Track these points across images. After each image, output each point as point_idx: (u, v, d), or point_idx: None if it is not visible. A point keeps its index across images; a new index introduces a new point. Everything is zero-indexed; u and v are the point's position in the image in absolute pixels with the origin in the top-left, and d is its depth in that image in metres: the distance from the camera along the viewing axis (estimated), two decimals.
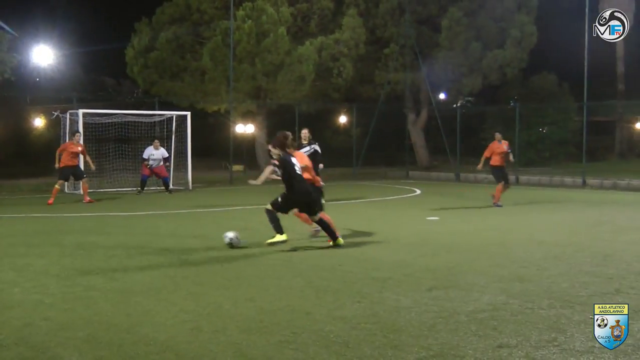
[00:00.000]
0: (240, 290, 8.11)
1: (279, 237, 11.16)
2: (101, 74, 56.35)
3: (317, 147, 19.37)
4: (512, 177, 19.64)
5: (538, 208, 18.17)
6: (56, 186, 20.17)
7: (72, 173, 20.81)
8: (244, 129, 36.22)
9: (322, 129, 47.21)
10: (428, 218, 15.88)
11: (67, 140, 22.83)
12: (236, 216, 16.84)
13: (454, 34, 35.20)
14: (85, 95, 37.27)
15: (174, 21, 34.94)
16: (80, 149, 20.70)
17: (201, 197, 22.30)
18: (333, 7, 35.70)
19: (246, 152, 37.77)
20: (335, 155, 41.26)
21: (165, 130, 28.07)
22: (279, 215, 11.34)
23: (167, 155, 24.62)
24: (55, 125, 30.18)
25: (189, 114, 27.27)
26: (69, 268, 9.53)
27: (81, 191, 21.30)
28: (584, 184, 27.07)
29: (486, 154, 19.28)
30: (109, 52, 44.70)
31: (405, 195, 23.22)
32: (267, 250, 10.99)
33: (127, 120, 26.75)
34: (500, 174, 19.05)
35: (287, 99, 34.52)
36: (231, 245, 11.31)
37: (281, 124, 37.40)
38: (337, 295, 7.78)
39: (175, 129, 27.52)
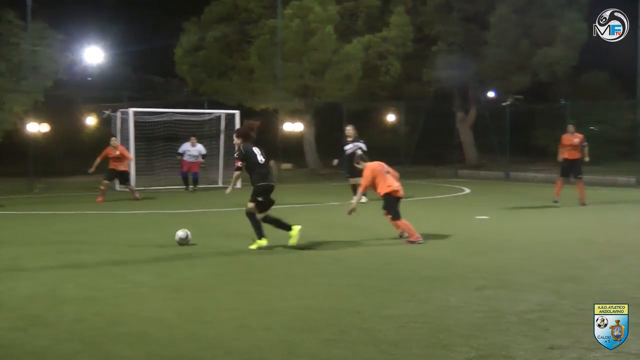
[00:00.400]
0: (289, 288, 8.12)
1: (260, 242, 11.04)
2: (150, 73, 56.96)
3: (362, 145, 19.37)
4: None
5: (590, 207, 17.87)
6: (101, 187, 20.42)
7: (118, 176, 21.15)
8: (292, 127, 36.26)
9: (369, 127, 47.04)
10: (477, 217, 15.73)
11: (115, 138, 23.02)
12: (284, 215, 16.84)
13: (502, 31, 34.76)
14: (135, 94, 37.70)
15: (221, 20, 35.15)
16: (118, 152, 20.67)
17: (249, 195, 22.37)
18: (380, 5, 35.53)
19: (294, 151, 37.83)
20: (383, 153, 41.05)
21: (213, 128, 28.27)
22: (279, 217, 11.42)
23: (204, 152, 24.69)
24: (106, 124, 30.61)
25: (237, 112, 27.43)
26: (120, 265, 9.66)
27: (129, 190, 21.34)
28: (638, 184, 26.56)
29: (560, 146, 18.71)
30: (158, 52, 45.09)
31: (453, 194, 23.04)
32: (316, 249, 11.00)
33: (176, 118, 27.01)
34: (566, 168, 18.47)
35: (334, 98, 34.47)
36: (181, 244, 11.37)
37: (329, 122, 37.54)
38: (385, 294, 7.75)
39: (224, 127, 27.69)
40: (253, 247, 10.99)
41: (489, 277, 8.64)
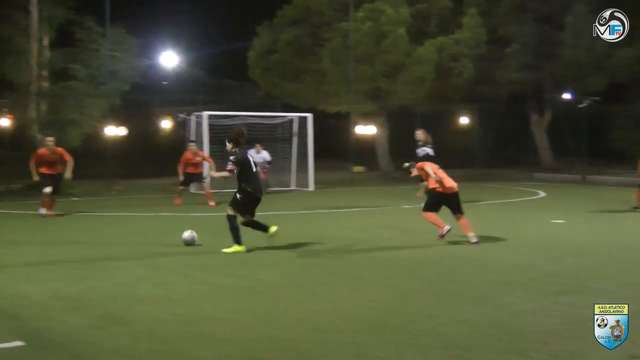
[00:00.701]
0: (361, 290, 8.12)
1: (236, 248, 11.02)
2: (224, 76, 57.68)
3: (429, 150, 19.23)
4: None
5: None
6: (179, 187, 20.58)
7: (194, 179, 21.20)
8: (365, 130, 36.25)
9: (441, 130, 46.67)
10: (553, 221, 15.44)
11: (189, 141, 23.26)
12: (357, 217, 16.89)
13: (579, 32, 34.05)
14: (209, 97, 38.24)
15: (294, 23, 35.34)
16: (199, 158, 20.71)
17: (322, 198, 22.49)
18: (453, 6, 35.21)
19: (367, 153, 37.80)
20: (456, 156, 40.76)
21: (286, 131, 28.47)
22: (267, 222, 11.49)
23: (269, 159, 24.73)
24: (181, 127, 31.14)
25: (310, 115, 27.55)
26: (195, 266, 9.81)
27: (204, 192, 21.06)
28: None
29: None
30: (231, 55, 45.64)
31: (528, 198, 22.67)
32: (389, 252, 10.98)
33: (249, 122, 27.28)
34: None
35: (407, 100, 34.31)
36: (187, 244, 11.63)
37: (401, 125, 37.37)
38: (458, 298, 7.68)
39: (297, 130, 27.86)
40: (228, 251, 11.04)
41: (565, 282, 8.48)
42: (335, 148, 41.27)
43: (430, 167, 12.44)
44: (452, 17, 35.16)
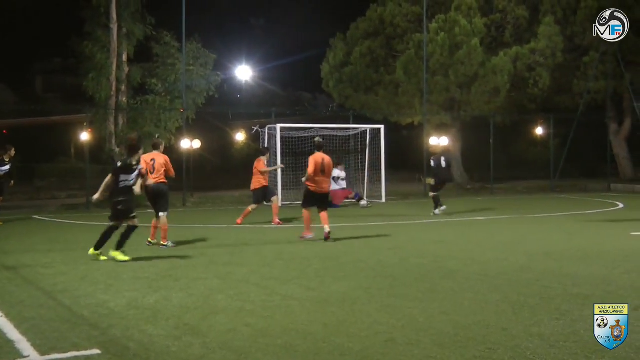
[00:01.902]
0: (435, 303, 8.05)
1: (93, 252, 11.71)
2: (298, 89, 58.13)
3: (442, 161, 20.42)
4: None
5: None
6: (249, 208, 18.41)
7: (264, 193, 18.45)
8: (438, 141, 35.99)
9: (517, 140, 46.11)
10: (633, 233, 15.02)
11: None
12: (429, 229, 16.77)
13: None
14: (284, 110, 38.57)
15: (368, 36, 35.42)
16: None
17: (395, 210, 22.41)
18: (528, 15, 34.69)
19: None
20: (532, 167, 40.16)
21: (359, 143, 28.48)
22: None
23: (343, 176, 24.97)
24: (255, 139, 31.45)
25: (382, 127, 27.52)
26: (268, 277, 9.87)
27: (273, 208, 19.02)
28: None
29: None
30: (306, 68, 46.05)
31: (606, 209, 22.13)
32: (462, 264, 10.85)
33: (322, 134, 27.36)
34: None
35: (481, 111, 33.96)
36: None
37: (475, 136, 37.01)
38: (534, 312, 7.54)
39: (370, 142, 27.84)
40: (92, 252, 11.78)
41: None
42: (408, 160, 41.13)
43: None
44: (528, 27, 34.63)
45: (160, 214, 13.61)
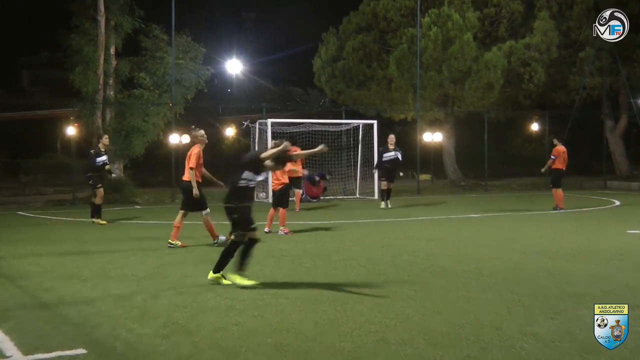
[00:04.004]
0: (428, 302, 8.04)
1: (212, 275, 9.65)
2: (289, 84, 58.07)
3: (399, 155, 20.70)
4: None
5: None
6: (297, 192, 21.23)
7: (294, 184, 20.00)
8: (431, 137, 36.04)
9: (511, 137, 46.18)
10: (629, 231, 15.07)
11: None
12: (422, 227, 16.77)
13: None
14: (274, 105, 38.54)
15: (360, 30, 35.39)
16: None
17: (387, 207, 22.39)
18: (523, 10, 34.69)
19: (433, 161, 37.58)
20: (527, 164, 40.18)
21: (351, 138, 28.48)
22: None
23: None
24: (245, 135, 31.42)
25: (375, 122, 27.53)
26: (258, 275, 9.84)
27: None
28: None
29: None
30: (297, 63, 46.00)
31: (602, 207, 22.20)
32: (456, 262, 10.85)
33: (314, 129, 27.39)
34: None
35: (475, 107, 34.00)
36: None
37: (469, 132, 37.06)
38: (529, 311, 7.54)
39: (362, 137, 27.85)
40: None
41: None
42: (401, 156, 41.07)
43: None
44: (523, 21, 34.63)
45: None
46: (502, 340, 6.42)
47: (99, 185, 17.90)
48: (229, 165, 34.92)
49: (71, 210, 22.23)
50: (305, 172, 22.10)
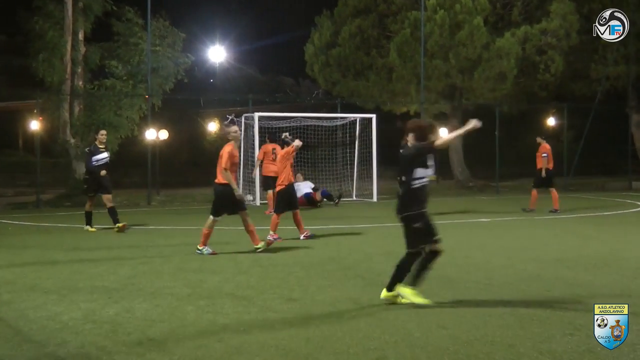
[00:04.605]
0: (432, 316, 8.07)
1: (386, 294, 9.45)
2: (279, 73, 58.04)
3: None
4: None
5: None
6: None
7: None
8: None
9: (526, 132, 46.26)
10: None
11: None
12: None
13: None
14: (262, 96, 38.57)
15: (357, 13, 35.40)
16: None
17: (387, 210, 22.40)
18: None
19: (439, 160, 37.62)
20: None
21: (348, 134, 28.51)
22: None
23: (312, 185, 24.83)
24: None
25: (374, 116, 27.57)
26: (244, 286, 9.86)
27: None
28: None
29: None
30: (287, 50, 46.01)
31: (627, 210, 22.28)
32: (463, 272, 10.89)
33: (306, 124, 27.40)
34: None
35: (486, 99, 34.08)
36: None
37: (479, 128, 37.11)
38: (544, 326, 7.57)
39: (359, 133, 27.88)
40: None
41: None
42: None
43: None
44: (539, 4, 34.68)
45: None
46: (514, 358, 6.45)
47: (91, 193, 17.23)
48: (211, 163, 34.83)
49: (34, 215, 22.20)
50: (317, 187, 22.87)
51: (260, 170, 22.73)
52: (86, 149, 17.73)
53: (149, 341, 7.08)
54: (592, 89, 36.20)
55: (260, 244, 13.31)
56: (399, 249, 13.52)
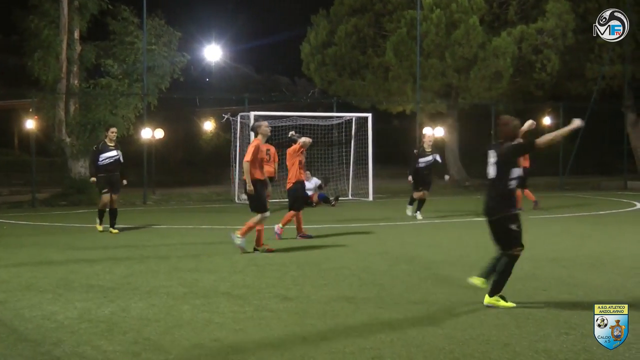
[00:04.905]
0: (427, 315, 8.07)
1: (489, 300, 9.96)
2: (275, 72, 58.01)
3: (438, 157, 19.67)
4: None
5: None
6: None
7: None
8: (433, 132, 36.06)
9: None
10: None
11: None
12: (422, 232, 16.81)
13: None
14: (258, 95, 38.53)
15: (354, 12, 35.40)
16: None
17: (383, 210, 22.43)
18: None
19: None
20: (539, 162, 40.31)
21: (344, 133, 28.50)
22: None
23: (319, 182, 24.84)
24: (225, 129, 31.40)
25: (370, 115, 27.56)
26: (240, 285, 9.86)
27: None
28: None
29: None
30: (283, 49, 46.00)
31: (622, 210, 22.30)
32: (459, 271, 10.89)
33: (302, 123, 27.37)
34: None
35: (482, 98, 34.09)
36: None
37: (475, 127, 37.13)
38: (540, 325, 7.58)
39: (355, 132, 27.87)
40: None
41: None
42: (398, 153, 41.20)
43: None
44: (535, 3, 34.71)
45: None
46: (510, 357, 6.45)
47: (105, 190, 16.47)
48: (207, 162, 34.88)
49: (30, 214, 22.17)
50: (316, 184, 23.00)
51: None
52: (94, 147, 17.15)
53: (145, 340, 7.08)
54: (587, 88, 36.21)
55: (261, 248, 13.25)
56: (395, 248, 13.57)
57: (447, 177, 19.42)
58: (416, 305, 8.59)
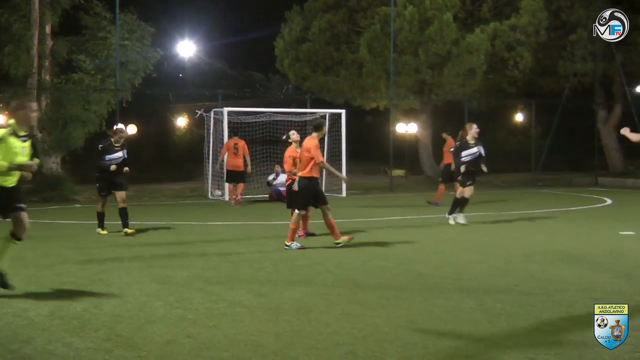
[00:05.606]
0: (401, 311, 8.09)
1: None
2: (248, 68, 57.88)
3: (482, 150, 18.44)
4: None
5: None
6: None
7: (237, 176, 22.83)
8: (406, 128, 36.18)
9: (495, 128, 46.53)
10: (622, 232, 15.27)
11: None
12: (395, 229, 16.83)
13: None
14: (231, 91, 38.42)
15: (328, 8, 35.38)
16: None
17: (356, 206, 22.46)
18: None
19: (408, 155, 37.74)
20: (512, 158, 40.55)
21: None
22: None
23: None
24: (199, 125, 31.29)
25: (343, 111, 27.57)
26: (214, 282, 9.84)
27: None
28: None
29: None
30: (257, 45, 45.86)
31: (593, 206, 22.46)
32: (433, 268, 10.93)
33: (275, 119, 27.33)
34: None
35: (455, 95, 34.19)
36: None
37: (448, 123, 37.21)
38: (513, 321, 7.62)
39: (329, 128, 27.87)
40: None
41: (638, 304, 8.37)
42: (372, 149, 41.27)
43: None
44: (509, 0, 34.83)
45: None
46: (483, 352, 6.49)
47: (104, 193, 15.90)
48: (180, 158, 34.74)
49: None
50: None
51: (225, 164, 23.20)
52: (99, 146, 16.19)
53: (117, 337, 7.04)
54: (560, 85, 36.41)
55: (341, 239, 13.28)
56: (368, 244, 13.59)
57: (484, 168, 17.95)
58: (389, 301, 8.61)
